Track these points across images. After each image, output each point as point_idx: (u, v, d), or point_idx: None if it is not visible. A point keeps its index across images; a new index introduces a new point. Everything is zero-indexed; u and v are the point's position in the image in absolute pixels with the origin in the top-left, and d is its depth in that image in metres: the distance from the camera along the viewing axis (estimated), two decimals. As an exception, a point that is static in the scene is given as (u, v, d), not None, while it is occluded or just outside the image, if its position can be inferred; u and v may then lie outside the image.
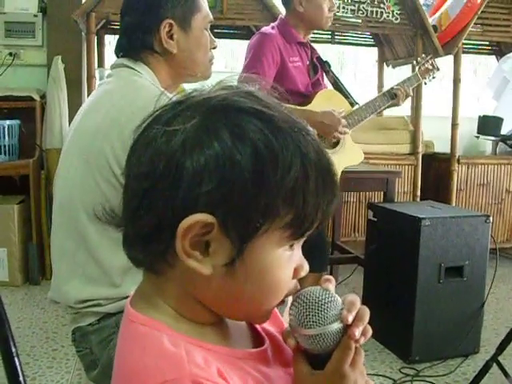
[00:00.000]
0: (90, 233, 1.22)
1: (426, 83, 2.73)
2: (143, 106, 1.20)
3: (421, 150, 3.87)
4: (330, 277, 0.67)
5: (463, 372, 2.37)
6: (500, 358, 2.04)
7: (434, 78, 2.73)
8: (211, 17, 1.44)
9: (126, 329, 0.63)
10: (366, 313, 0.64)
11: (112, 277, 1.23)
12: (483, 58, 4.84)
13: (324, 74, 2.63)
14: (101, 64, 3.84)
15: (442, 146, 4.14)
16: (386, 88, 4.35)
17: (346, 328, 0.63)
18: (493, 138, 4.20)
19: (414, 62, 2.76)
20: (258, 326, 0.71)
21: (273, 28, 2.45)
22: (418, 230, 2.33)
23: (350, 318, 0.62)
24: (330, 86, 2.65)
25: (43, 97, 3.61)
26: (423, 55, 2.80)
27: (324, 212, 0.59)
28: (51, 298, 1.34)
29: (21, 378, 0.66)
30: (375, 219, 2.71)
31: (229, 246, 0.56)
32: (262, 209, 0.55)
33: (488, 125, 4.07)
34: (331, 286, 0.65)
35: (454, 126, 3.92)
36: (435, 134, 4.18)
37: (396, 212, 2.55)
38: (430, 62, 2.69)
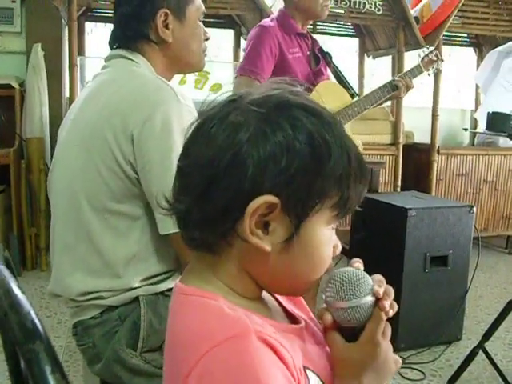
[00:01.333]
0: (92, 223, 1.22)
1: (429, 75, 2.73)
2: (144, 93, 1.21)
3: (402, 140, 3.92)
4: (359, 259, 0.74)
5: (447, 359, 2.43)
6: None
7: (437, 69, 2.72)
8: (203, 8, 1.44)
9: (181, 303, 0.68)
10: (392, 290, 0.72)
11: (114, 268, 1.22)
12: (461, 50, 4.90)
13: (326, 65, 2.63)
14: (81, 52, 3.78)
15: (421, 137, 4.20)
16: (366, 79, 4.46)
17: (377, 302, 0.70)
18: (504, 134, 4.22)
19: (419, 54, 2.76)
20: (288, 309, 0.78)
21: (272, 20, 2.46)
22: (404, 221, 2.37)
23: (381, 292, 0.70)
24: (332, 77, 2.65)
25: (22, 85, 3.55)
26: (427, 47, 2.80)
27: (360, 196, 0.68)
28: (51, 292, 1.32)
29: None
30: (360, 209, 2.73)
31: (288, 224, 0.64)
32: (318, 190, 0.64)
33: (498, 121, 4.10)
34: (361, 266, 0.73)
35: (435, 116, 3.97)
36: (415, 125, 4.24)
37: (382, 202, 2.58)
38: (435, 53, 2.68)
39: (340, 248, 0.72)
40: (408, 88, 2.56)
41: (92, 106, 1.27)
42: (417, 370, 2.31)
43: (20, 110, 3.51)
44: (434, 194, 3.97)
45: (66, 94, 3.59)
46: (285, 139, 0.62)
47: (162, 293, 1.24)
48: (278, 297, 0.78)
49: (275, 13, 2.57)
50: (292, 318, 0.76)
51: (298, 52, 2.44)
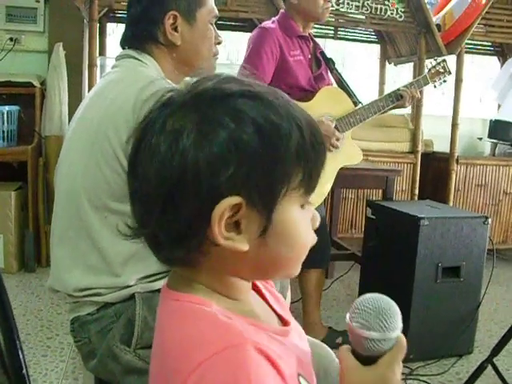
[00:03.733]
0: (92, 221, 1.22)
1: (435, 86, 2.68)
2: (151, 94, 1.21)
3: (420, 148, 3.87)
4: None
5: (457, 372, 2.38)
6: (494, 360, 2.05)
7: (444, 81, 2.68)
8: (216, 11, 1.44)
9: (172, 309, 0.66)
10: None
11: (113, 266, 1.23)
12: (485, 59, 4.83)
13: (328, 70, 2.61)
14: (102, 52, 3.81)
15: (441, 146, 4.14)
16: (387, 86, 4.42)
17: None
18: (504, 142, 4.19)
19: (427, 64, 2.73)
20: (277, 310, 0.77)
21: (273, 22, 2.45)
22: (416, 230, 2.33)
23: None
24: (335, 83, 2.63)
25: (43, 83, 3.60)
26: (436, 58, 2.76)
27: (322, 162, 0.66)
28: (50, 287, 1.33)
29: (24, 371, 0.66)
30: (374, 217, 2.71)
31: (258, 217, 0.61)
32: (279, 176, 0.61)
33: (500, 129, 4.07)
34: None
35: (455, 125, 3.91)
36: (435, 133, 4.18)
37: (395, 211, 2.55)
38: (442, 64, 2.63)
39: (318, 218, 0.70)
40: (413, 98, 2.52)
41: (98, 105, 1.28)
42: (424, 381, 2.27)
43: (40, 108, 3.56)
44: (451, 203, 3.91)
45: (86, 93, 3.62)
46: (229, 136, 0.59)
47: (158, 290, 1.22)
48: (267, 297, 0.77)
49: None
50: (281, 319, 0.76)
51: (300, 55, 2.43)
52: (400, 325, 0.68)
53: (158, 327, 0.68)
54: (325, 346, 1.13)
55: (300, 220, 0.65)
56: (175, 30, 1.35)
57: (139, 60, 1.34)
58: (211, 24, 1.43)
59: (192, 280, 0.66)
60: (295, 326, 0.77)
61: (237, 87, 0.62)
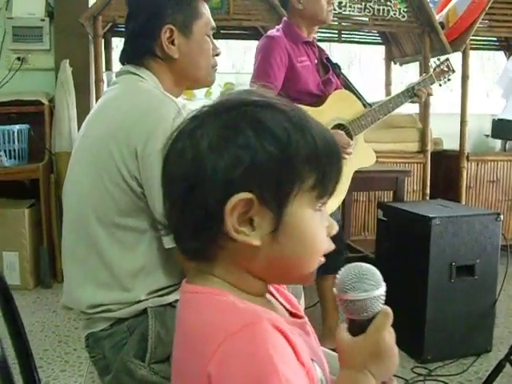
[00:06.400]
0: (100, 237, 1.23)
1: (440, 85, 2.69)
2: (147, 109, 1.22)
3: (429, 147, 3.85)
4: None
5: (476, 371, 2.36)
6: (512, 357, 2.03)
7: (449, 80, 2.70)
8: (213, 23, 1.45)
9: (189, 300, 0.72)
10: None
11: (122, 281, 1.24)
12: (491, 54, 4.81)
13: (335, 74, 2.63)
14: (108, 67, 3.85)
15: (450, 143, 4.12)
16: (393, 86, 4.41)
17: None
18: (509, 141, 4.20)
19: (431, 63, 2.74)
20: (287, 307, 0.82)
21: (278, 30, 2.47)
22: (428, 230, 2.32)
23: None
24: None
25: (51, 101, 3.63)
26: (439, 57, 2.77)
27: (337, 171, 0.72)
28: (64, 304, 1.35)
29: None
30: (385, 219, 2.71)
31: (270, 215, 0.67)
32: (288, 176, 0.67)
33: (503, 128, 4.06)
34: None
35: (463, 122, 3.89)
36: (444, 131, 4.16)
37: (406, 211, 2.54)
38: (446, 63, 2.65)
39: (336, 227, 0.74)
40: (429, 95, 2.55)
41: (99, 122, 1.30)
42: (443, 382, 2.25)
43: (50, 126, 3.59)
44: (464, 201, 3.88)
45: (94, 108, 3.64)
46: (244, 139, 0.66)
47: (169, 304, 1.25)
48: (277, 296, 0.83)
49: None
50: (293, 315, 0.82)
51: (306, 60, 2.44)
52: (382, 283, 0.74)
53: (178, 319, 0.74)
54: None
55: (312, 222, 0.71)
56: (172, 43, 1.36)
57: (137, 75, 1.35)
58: (208, 36, 1.43)
59: (209, 273, 0.71)
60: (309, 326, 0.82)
61: (254, 98, 0.70)
